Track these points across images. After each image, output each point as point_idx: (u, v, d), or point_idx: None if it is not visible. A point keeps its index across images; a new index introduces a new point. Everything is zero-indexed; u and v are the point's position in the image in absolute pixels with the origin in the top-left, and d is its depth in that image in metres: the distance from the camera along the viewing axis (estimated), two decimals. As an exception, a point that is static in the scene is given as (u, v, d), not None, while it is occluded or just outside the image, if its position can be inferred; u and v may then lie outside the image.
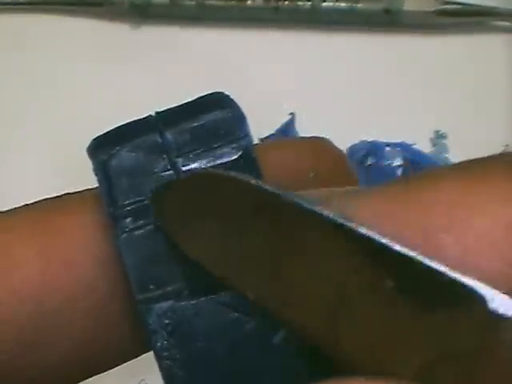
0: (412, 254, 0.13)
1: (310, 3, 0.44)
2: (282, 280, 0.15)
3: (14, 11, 0.47)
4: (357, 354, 0.14)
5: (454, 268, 0.12)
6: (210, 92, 0.18)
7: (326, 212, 0.13)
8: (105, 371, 0.18)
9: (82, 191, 0.18)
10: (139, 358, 0.18)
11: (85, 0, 0.47)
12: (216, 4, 0.45)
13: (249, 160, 0.17)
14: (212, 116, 0.17)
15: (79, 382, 0.18)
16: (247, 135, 0.17)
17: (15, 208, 0.18)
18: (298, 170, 0.18)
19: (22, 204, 0.18)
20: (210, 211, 0.16)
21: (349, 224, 0.13)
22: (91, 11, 0.47)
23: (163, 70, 0.45)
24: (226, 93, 0.18)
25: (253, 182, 0.15)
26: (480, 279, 0.12)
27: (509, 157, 0.15)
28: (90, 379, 0.18)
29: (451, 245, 0.14)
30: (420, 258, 0.12)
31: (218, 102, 0.18)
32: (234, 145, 0.17)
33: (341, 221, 0.13)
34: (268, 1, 0.44)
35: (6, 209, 0.18)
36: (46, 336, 0.17)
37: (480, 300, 0.12)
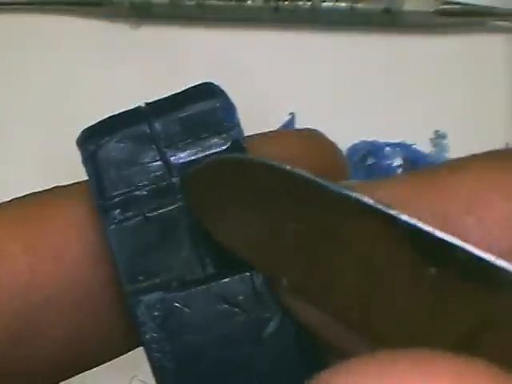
0: (454, 240, 0.12)
1: (309, 3, 0.44)
2: (319, 265, 0.14)
3: (14, 11, 0.47)
4: (390, 337, 0.13)
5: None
6: (199, 83, 0.18)
7: (365, 198, 0.13)
8: (96, 366, 0.18)
9: (71, 184, 0.18)
10: (131, 353, 0.18)
11: (85, 0, 0.47)
12: (216, 4, 0.45)
13: (238, 150, 0.17)
14: (201, 106, 0.17)
15: (70, 377, 0.18)
16: (236, 125, 0.17)
17: (3, 202, 0.18)
18: (288, 160, 0.18)
19: (11, 198, 0.18)
20: (244, 197, 0.15)
21: (390, 211, 0.13)
22: (91, 11, 0.46)
23: (163, 69, 0.45)
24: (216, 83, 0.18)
25: (288, 168, 0.14)
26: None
27: None
28: (82, 374, 0.18)
29: (472, 226, 0.14)
30: (462, 244, 0.12)
31: (207, 92, 0.17)
32: (223, 135, 0.17)
33: (382, 207, 0.13)
34: (268, 1, 0.44)
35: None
36: (35, 330, 0.17)
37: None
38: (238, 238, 0.16)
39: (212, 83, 0.18)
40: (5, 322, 0.16)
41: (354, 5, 0.44)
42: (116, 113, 0.18)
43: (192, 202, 0.16)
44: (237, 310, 0.16)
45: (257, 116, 0.38)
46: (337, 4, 0.44)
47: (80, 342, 0.17)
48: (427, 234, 0.13)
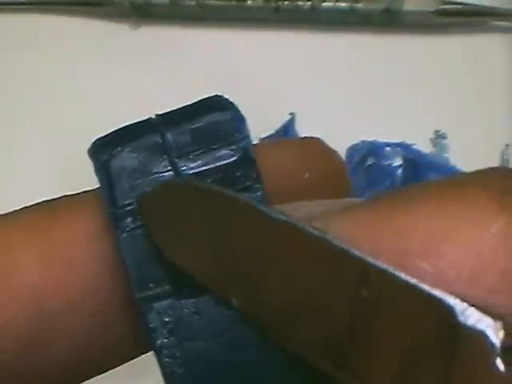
0: (386, 267, 0.13)
1: (309, 3, 0.44)
2: (264, 288, 0.15)
3: (14, 11, 0.47)
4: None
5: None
6: (210, 95, 0.18)
7: (302, 225, 0.14)
8: (105, 372, 0.18)
9: (82, 192, 0.18)
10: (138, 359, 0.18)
11: (85, 0, 0.47)
12: (216, 4, 0.45)
13: (248, 161, 0.17)
14: (211, 118, 0.18)
15: (83, 381, 0.18)
16: (246, 137, 0.18)
17: (15, 210, 0.18)
18: (294, 171, 0.18)
19: (23, 206, 0.18)
20: (193, 219, 0.16)
21: (325, 235, 0.14)
22: (91, 11, 0.47)
23: (163, 69, 0.45)
24: (226, 96, 0.18)
25: (231, 194, 0.15)
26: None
27: (485, 178, 0.15)
28: (90, 380, 0.18)
29: (428, 272, 0.14)
30: (395, 271, 0.13)
31: (217, 104, 0.18)
32: (233, 146, 0.17)
33: (321, 234, 0.14)
34: (268, 1, 0.44)
35: (7, 211, 0.18)
36: (47, 338, 0.17)
37: (450, 311, 0.12)
38: (188, 258, 0.16)
39: (222, 96, 0.18)
40: (17, 330, 0.17)
41: (354, 5, 0.44)
42: (128, 124, 0.18)
43: (146, 224, 0.17)
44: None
45: (257, 116, 0.38)
46: (337, 4, 0.44)
47: (89, 349, 0.17)
48: (359, 257, 0.13)
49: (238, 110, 0.18)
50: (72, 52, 0.46)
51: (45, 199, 0.18)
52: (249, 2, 0.45)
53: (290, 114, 0.43)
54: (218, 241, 0.16)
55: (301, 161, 0.19)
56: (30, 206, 0.18)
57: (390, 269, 0.13)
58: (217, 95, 0.18)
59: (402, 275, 0.13)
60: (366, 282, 0.13)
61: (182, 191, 0.16)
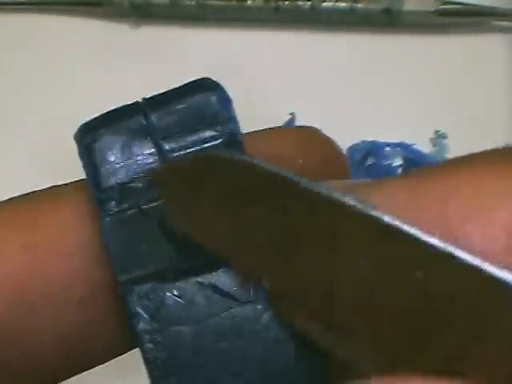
0: (444, 246, 0.12)
1: (309, 3, 0.44)
2: (293, 265, 0.14)
3: (14, 11, 0.47)
4: (371, 350, 0.13)
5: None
6: (197, 78, 0.18)
7: (348, 199, 0.13)
8: (95, 366, 0.18)
9: (68, 183, 0.18)
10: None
11: (85, 0, 0.47)
12: (216, 4, 0.45)
13: (234, 143, 0.17)
14: (197, 99, 0.17)
15: (68, 377, 0.18)
16: (232, 118, 0.17)
17: (1, 201, 0.18)
18: (286, 157, 0.18)
19: (8, 197, 0.18)
20: (219, 193, 0.15)
21: (373, 211, 0.13)
22: (91, 11, 0.46)
23: (163, 69, 0.45)
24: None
25: (265, 165, 0.14)
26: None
27: None
28: (77, 377, 0.18)
29: (474, 235, 0.13)
30: (453, 250, 0.12)
31: (203, 85, 0.18)
32: (218, 127, 0.17)
33: (364, 208, 0.13)
34: (268, 1, 0.44)
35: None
36: (30, 329, 0.17)
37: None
38: (209, 234, 0.16)
39: (209, 78, 0.18)
40: (1, 321, 0.16)
41: (354, 5, 0.44)
42: (114, 107, 0.18)
43: (165, 201, 0.16)
44: (231, 300, 0.16)
45: (257, 116, 0.37)
46: (337, 4, 0.44)
47: (76, 341, 0.17)
48: (412, 235, 0.12)
49: (224, 91, 0.17)
50: (72, 52, 0.46)
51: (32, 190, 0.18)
52: (249, 2, 0.45)
53: (290, 114, 0.43)
54: (244, 216, 0.15)
55: (294, 147, 0.18)
56: (16, 197, 0.18)
57: (445, 246, 0.12)
58: (203, 78, 0.18)
59: (460, 253, 0.12)
60: (419, 264, 0.12)
61: (203, 164, 0.16)
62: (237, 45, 0.45)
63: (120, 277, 0.16)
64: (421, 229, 0.12)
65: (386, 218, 0.13)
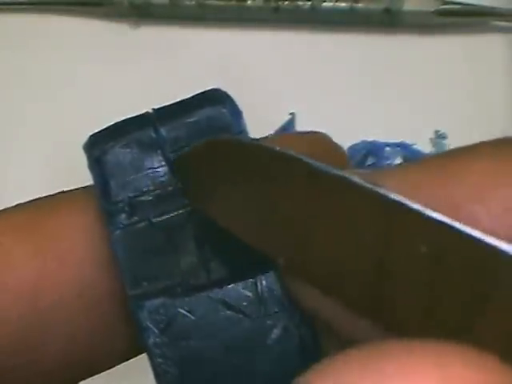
0: (446, 219, 0.12)
1: (309, 3, 0.44)
2: (315, 245, 0.14)
3: (14, 11, 0.47)
4: (402, 319, 0.13)
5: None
6: (207, 89, 0.18)
7: (359, 180, 0.13)
8: (101, 371, 0.18)
9: (76, 189, 0.18)
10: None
11: (85, 0, 0.47)
12: (216, 4, 0.45)
13: None
14: (207, 111, 0.17)
15: (77, 382, 0.18)
16: (243, 131, 0.17)
17: (10, 207, 0.18)
18: None
19: (17, 203, 0.18)
20: (235, 177, 0.15)
21: (380, 190, 0.13)
22: (91, 11, 0.46)
23: (163, 70, 0.45)
24: (223, 89, 0.18)
25: (278, 148, 0.14)
26: None
27: None
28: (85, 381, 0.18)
29: (483, 216, 0.13)
30: (455, 224, 0.12)
31: (213, 98, 0.17)
32: None
33: (373, 187, 0.13)
34: (268, 1, 0.44)
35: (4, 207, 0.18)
36: (41, 335, 0.17)
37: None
38: (232, 217, 0.16)
39: (219, 89, 0.18)
40: (10, 327, 0.16)
41: (354, 5, 0.44)
42: (123, 118, 0.18)
43: (185, 185, 0.16)
44: (241, 316, 0.16)
45: (257, 116, 0.37)
46: (337, 4, 0.44)
47: (85, 347, 0.17)
48: (418, 211, 0.12)
49: (235, 104, 0.17)
50: (72, 52, 0.46)
51: (42, 196, 0.18)
52: (249, 2, 0.44)
53: (290, 113, 0.43)
54: (264, 199, 0.15)
55: (301, 151, 0.19)
56: (25, 203, 0.18)
57: (449, 221, 0.12)
58: (214, 89, 0.18)
59: (461, 227, 0.12)
60: (425, 237, 0.12)
61: (223, 148, 0.15)
62: (237, 45, 0.45)
63: (130, 291, 0.16)
64: (425, 205, 0.12)
65: (393, 195, 0.13)
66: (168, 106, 0.18)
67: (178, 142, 0.17)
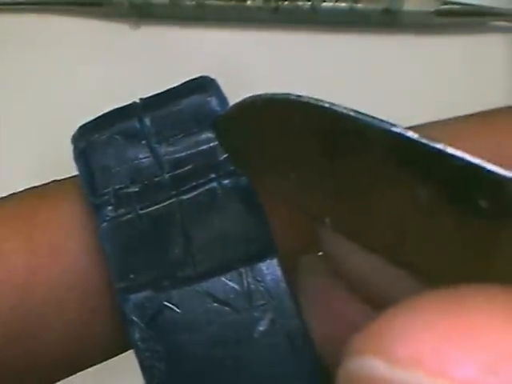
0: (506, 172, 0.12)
1: (309, 3, 0.44)
2: (359, 204, 0.14)
3: (14, 11, 0.47)
4: (428, 269, 0.13)
5: None
6: (194, 77, 0.18)
7: (410, 132, 0.13)
8: (95, 364, 0.18)
9: (68, 178, 0.18)
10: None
11: (85, 0, 0.46)
12: (216, 4, 0.45)
13: None
14: (192, 100, 0.17)
15: (67, 376, 0.18)
16: None
17: (2, 197, 0.17)
18: None
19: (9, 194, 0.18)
20: (282, 137, 0.15)
21: (437, 145, 0.12)
22: (91, 11, 0.46)
23: (163, 69, 0.45)
24: (212, 77, 0.18)
25: (327, 105, 0.15)
26: None
27: None
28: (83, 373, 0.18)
29: None
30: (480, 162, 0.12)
31: (199, 86, 0.17)
32: None
33: (427, 142, 0.13)
34: (268, 1, 0.44)
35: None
36: (32, 328, 0.16)
37: None
38: (278, 181, 0.15)
39: (206, 76, 0.18)
40: (1, 320, 0.16)
41: (354, 5, 0.44)
42: (109, 110, 0.17)
43: (226, 147, 0.16)
44: (227, 308, 0.16)
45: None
46: (337, 4, 0.44)
47: (77, 341, 0.17)
48: (476, 166, 0.12)
49: (220, 91, 0.17)
50: (72, 52, 0.46)
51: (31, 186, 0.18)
52: (248, 2, 0.44)
53: (290, 114, 0.43)
54: (310, 158, 0.14)
55: None
56: (17, 193, 0.18)
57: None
58: (201, 76, 0.18)
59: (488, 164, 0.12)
60: (484, 191, 0.12)
61: (268, 107, 0.15)
62: (237, 45, 0.45)
63: (116, 284, 0.16)
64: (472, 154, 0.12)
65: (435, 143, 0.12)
66: (154, 95, 0.17)
67: (162, 132, 0.17)
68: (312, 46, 0.45)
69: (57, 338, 0.17)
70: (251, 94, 0.15)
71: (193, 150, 0.17)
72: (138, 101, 0.17)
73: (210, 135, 0.17)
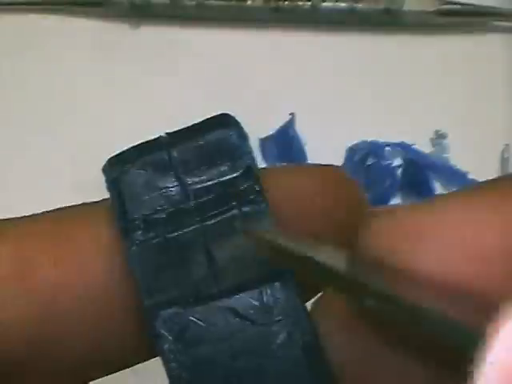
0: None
1: (309, 3, 0.44)
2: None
3: (14, 11, 0.47)
4: None
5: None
6: (216, 114, 0.19)
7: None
8: (112, 373, 0.19)
9: (99, 201, 0.19)
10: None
11: (85, 0, 0.47)
12: (216, 4, 0.45)
13: (251, 175, 0.18)
14: (215, 135, 0.19)
15: (87, 381, 0.19)
16: (249, 152, 0.18)
17: (33, 214, 0.19)
18: (304, 195, 0.19)
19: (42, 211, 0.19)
20: None
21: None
22: (91, 11, 0.46)
23: (163, 69, 0.45)
24: (231, 114, 0.19)
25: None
26: None
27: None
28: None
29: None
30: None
31: (222, 121, 0.19)
32: (236, 161, 0.18)
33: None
34: (268, 1, 0.44)
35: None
36: (55, 339, 0.17)
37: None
38: None
39: (227, 114, 0.19)
40: (30, 327, 0.17)
41: (354, 5, 0.44)
42: (139, 142, 0.19)
43: None
44: (248, 323, 0.17)
45: (257, 116, 0.37)
46: (337, 4, 0.44)
47: (98, 351, 0.18)
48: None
49: (241, 128, 0.19)
50: (72, 52, 0.46)
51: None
52: (249, 2, 0.45)
53: (290, 114, 0.43)
54: None
55: (312, 184, 0.19)
56: (49, 211, 0.19)
57: None
58: (222, 114, 0.19)
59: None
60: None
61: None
62: (237, 45, 0.45)
63: (145, 302, 0.17)
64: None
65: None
66: (180, 130, 0.19)
67: (188, 164, 0.18)
68: (312, 46, 0.45)
69: (80, 346, 0.18)
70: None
71: (215, 180, 0.18)
72: (163, 135, 0.19)
73: (230, 167, 0.18)
